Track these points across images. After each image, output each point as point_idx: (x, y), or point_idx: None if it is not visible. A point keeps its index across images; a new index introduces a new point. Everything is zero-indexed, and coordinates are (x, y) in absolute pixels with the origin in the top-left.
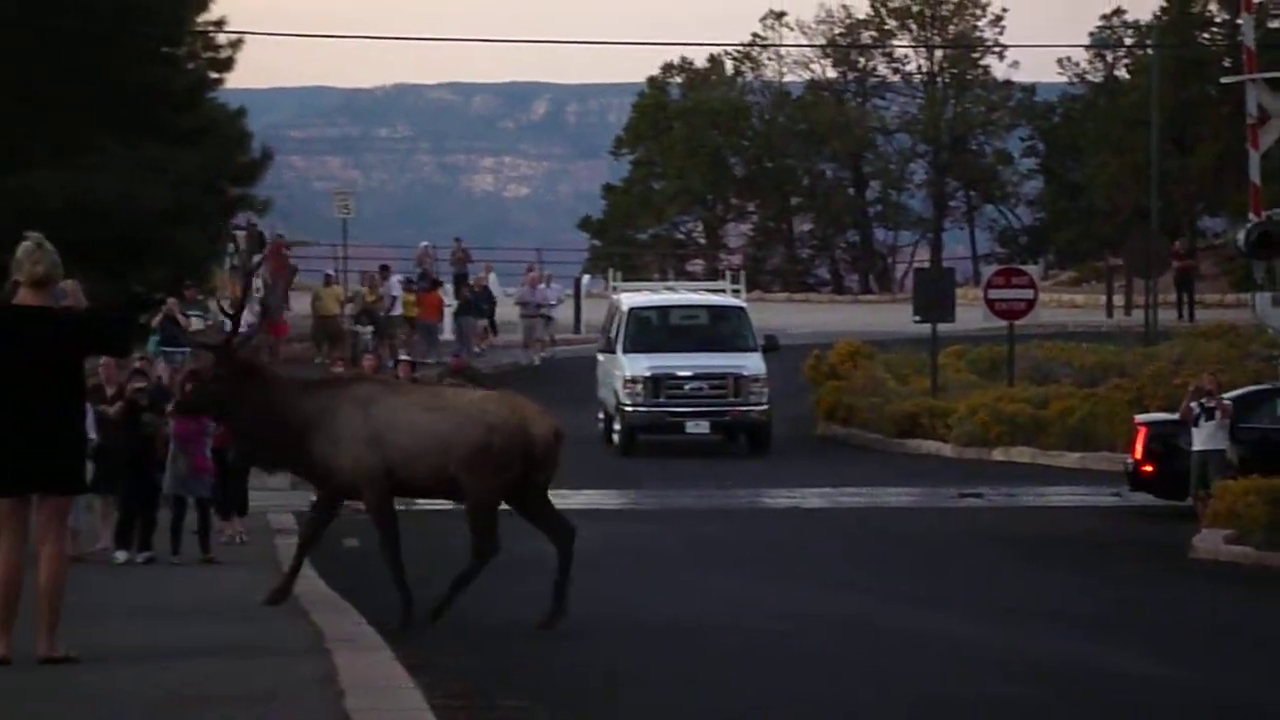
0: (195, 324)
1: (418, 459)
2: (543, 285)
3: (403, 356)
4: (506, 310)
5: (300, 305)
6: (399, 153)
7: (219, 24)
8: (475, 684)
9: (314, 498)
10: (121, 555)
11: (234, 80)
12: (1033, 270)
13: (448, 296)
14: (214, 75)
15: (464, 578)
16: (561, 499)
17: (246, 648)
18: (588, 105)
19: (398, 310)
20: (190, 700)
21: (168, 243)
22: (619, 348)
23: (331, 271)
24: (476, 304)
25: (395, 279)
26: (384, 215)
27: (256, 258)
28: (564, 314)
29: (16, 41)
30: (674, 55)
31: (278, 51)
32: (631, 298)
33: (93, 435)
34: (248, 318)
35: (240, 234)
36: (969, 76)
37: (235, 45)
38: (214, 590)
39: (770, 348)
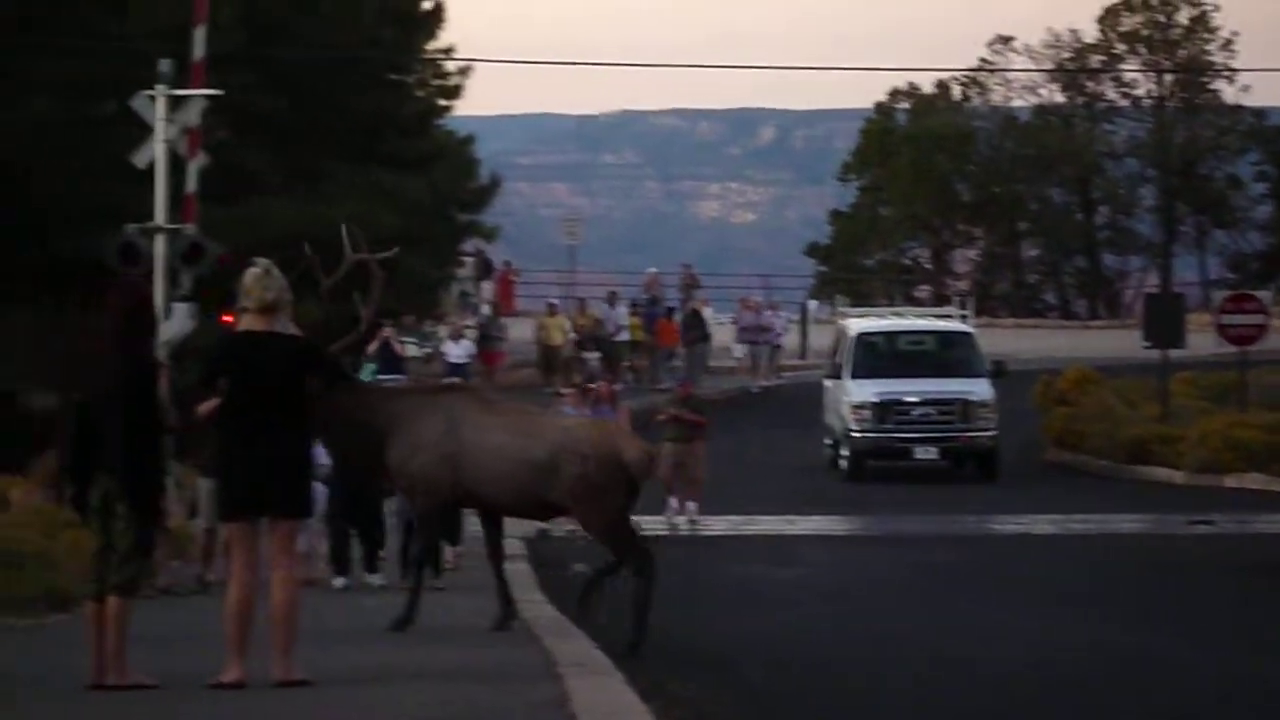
0: (411, 351)
1: (502, 480)
2: (769, 311)
3: (590, 385)
4: (725, 337)
5: (519, 331)
6: (625, 179)
7: (448, 52)
8: (703, 711)
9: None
10: (340, 581)
11: (463, 107)
12: (1264, 295)
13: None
14: (443, 102)
15: (641, 600)
16: (789, 524)
17: (477, 672)
18: (814, 131)
19: (623, 336)
20: None
21: (398, 268)
22: (846, 373)
23: (556, 301)
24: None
25: (621, 306)
26: (610, 242)
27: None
28: (790, 340)
29: (247, 70)
30: (901, 81)
31: (506, 78)
32: (859, 323)
33: (325, 461)
34: (466, 347)
35: (468, 260)
36: (1199, 101)
37: (464, 72)
38: (442, 615)
39: (998, 373)
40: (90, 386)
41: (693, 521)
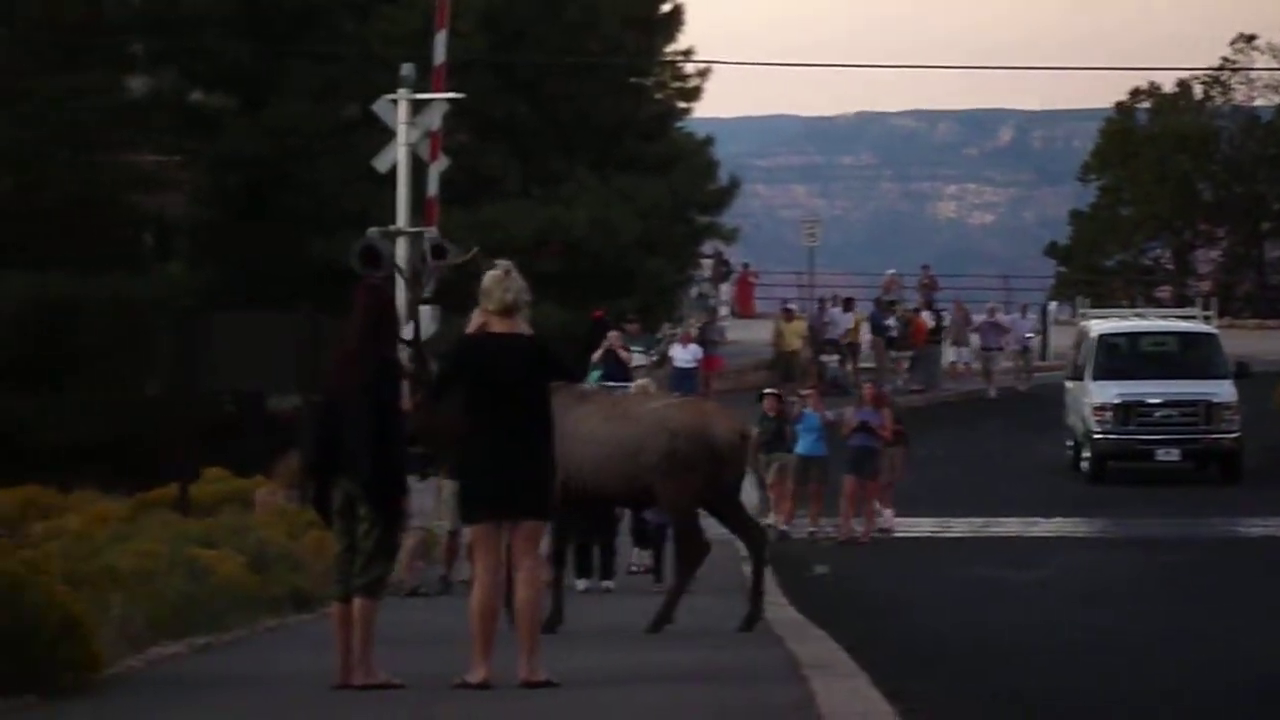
0: (637, 359)
1: (603, 467)
2: (1016, 315)
3: (767, 390)
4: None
5: (757, 334)
6: (862, 180)
7: (687, 54)
8: (948, 713)
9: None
10: (582, 584)
11: (701, 109)
12: None
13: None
14: (682, 105)
15: (675, 589)
16: (1030, 526)
17: (719, 673)
18: (1053, 131)
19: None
20: None
21: (638, 271)
22: (1088, 375)
23: (793, 305)
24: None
25: (836, 309)
26: (848, 243)
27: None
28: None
29: (488, 75)
30: (1141, 80)
31: (744, 80)
32: (1100, 324)
33: None
34: (694, 351)
35: (706, 262)
36: None
37: (703, 75)
38: (682, 616)
39: (1242, 374)
40: (333, 388)
41: (878, 525)
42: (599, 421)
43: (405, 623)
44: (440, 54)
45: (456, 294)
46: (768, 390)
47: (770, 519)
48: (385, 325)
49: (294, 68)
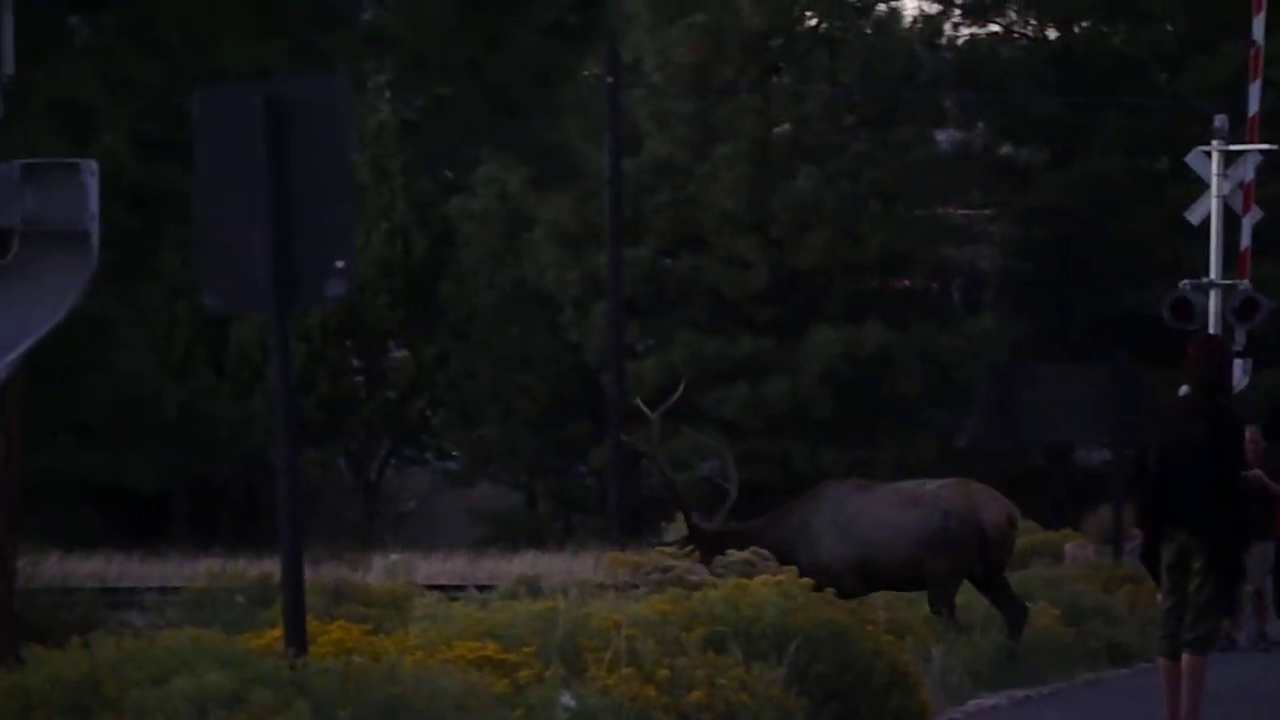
0: None
1: (887, 550)
2: None
3: None
4: None
5: None
6: None
7: None
8: None
9: None
10: None
11: None
12: None
13: None
14: None
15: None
16: None
17: None
18: None
19: None
20: None
21: None
22: None
23: None
24: None
25: None
26: None
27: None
28: None
29: None
30: None
31: None
32: None
33: None
34: None
35: None
36: None
37: None
38: None
39: None
40: (1170, 441)
41: None
42: (883, 508)
43: (1223, 678)
44: (1254, 104)
45: (1269, 346)
46: None
47: None
48: (1223, 377)
49: (1104, 120)
